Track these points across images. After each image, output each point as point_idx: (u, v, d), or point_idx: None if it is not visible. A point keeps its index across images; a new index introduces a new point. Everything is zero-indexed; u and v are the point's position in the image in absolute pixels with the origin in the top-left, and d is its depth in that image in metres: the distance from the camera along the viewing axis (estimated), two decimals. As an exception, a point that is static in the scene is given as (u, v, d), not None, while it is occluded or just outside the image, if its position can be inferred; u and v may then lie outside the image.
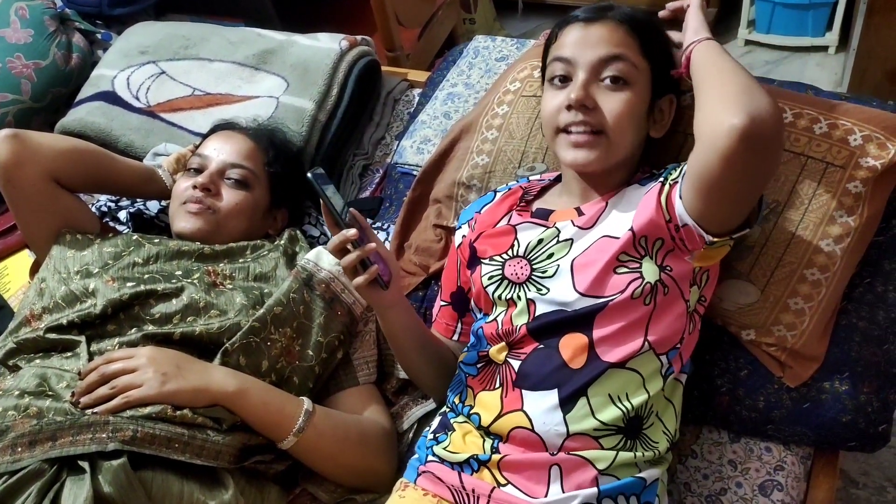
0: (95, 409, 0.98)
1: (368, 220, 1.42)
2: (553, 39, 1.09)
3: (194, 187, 1.26)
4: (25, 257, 1.58)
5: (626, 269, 0.99)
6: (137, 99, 1.65)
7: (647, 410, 0.99)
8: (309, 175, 1.00)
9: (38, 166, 1.21)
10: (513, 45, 1.50)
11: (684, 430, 1.13)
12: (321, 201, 1.01)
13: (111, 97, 1.66)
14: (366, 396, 1.21)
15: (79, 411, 0.98)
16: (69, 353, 1.08)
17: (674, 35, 1.11)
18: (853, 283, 1.10)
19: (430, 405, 1.25)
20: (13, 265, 1.58)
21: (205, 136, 1.39)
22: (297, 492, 1.16)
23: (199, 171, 1.30)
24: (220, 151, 1.31)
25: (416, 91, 1.70)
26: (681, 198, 0.95)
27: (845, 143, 1.07)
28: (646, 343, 0.98)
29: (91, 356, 1.06)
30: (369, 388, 1.23)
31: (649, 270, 0.98)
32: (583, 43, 1.03)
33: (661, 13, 1.14)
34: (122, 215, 1.47)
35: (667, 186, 0.99)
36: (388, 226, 1.40)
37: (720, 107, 0.87)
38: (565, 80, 1.04)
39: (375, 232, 1.37)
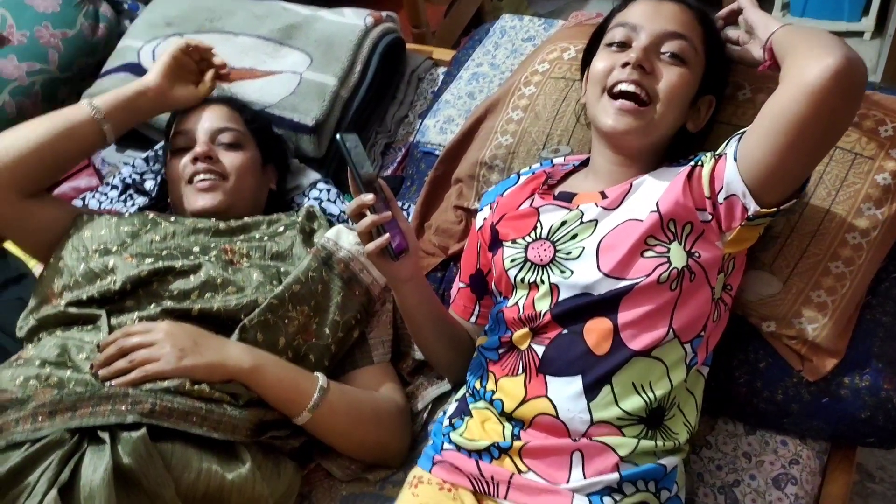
0: (114, 382, 0.99)
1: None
2: (620, 7, 1.08)
3: (194, 161, 1.26)
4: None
5: (653, 253, 0.98)
6: (162, 71, 1.65)
7: (670, 401, 0.99)
8: (337, 136, 0.99)
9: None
10: (540, 26, 1.48)
11: (699, 420, 1.13)
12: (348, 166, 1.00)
13: (136, 69, 1.65)
14: (381, 375, 1.22)
15: (99, 383, 1.00)
16: (90, 326, 1.09)
17: (731, 33, 1.10)
18: (879, 277, 1.08)
19: (445, 386, 1.25)
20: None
21: (173, 116, 1.38)
22: (312, 467, 1.17)
23: (187, 148, 1.29)
24: (202, 121, 1.31)
25: (441, 70, 1.68)
26: (735, 160, 0.93)
27: (875, 134, 1.05)
28: (671, 330, 0.97)
29: (111, 329, 1.08)
30: (384, 367, 1.24)
31: (677, 255, 0.97)
32: (652, 13, 1.03)
33: (719, 13, 1.12)
34: (148, 185, 1.48)
35: (707, 163, 0.98)
36: (409, 205, 1.40)
37: (812, 52, 0.87)
38: (624, 45, 1.04)
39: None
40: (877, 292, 1.08)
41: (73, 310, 1.11)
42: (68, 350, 1.06)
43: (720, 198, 0.96)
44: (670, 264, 0.97)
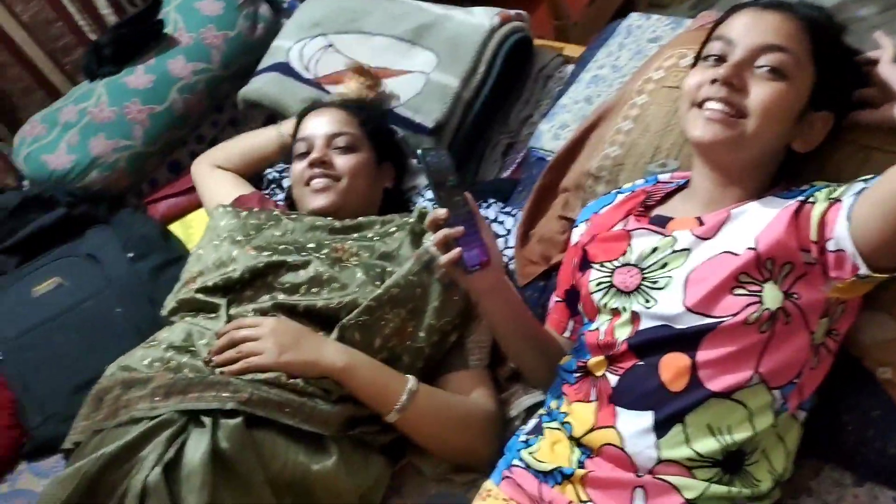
0: (222, 370, 1.10)
1: (499, 203, 1.43)
2: (723, 20, 1.02)
3: (310, 166, 1.37)
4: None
5: (744, 292, 0.92)
6: (308, 70, 1.76)
7: (752, 447, 0.93)
8: (418, 152, 1.03)
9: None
10: (668, 26, 1.40)
11: (803, 463, 1.04)
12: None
13: (286, 68, 1.78)
14: (475, 380, 1.24)
15: (208, 370, 1.11)
16: (213, 315, 1.22)
17: (867, 92, 1.00)
18: None
19: (539, 395, 1.25)
20: (197, 219, 1.79)
21: (298, 122, 1.48)
22: (404, 463, 1.22)
23: (306, 152, 1.40)
24: (319, 126, 1.41)
25: (571, 67, 1.65)
26: (848, 220, 0.86)
27: None
28: (756, 375, 0.91)
29: (229, 319, 1.19)
30: (479, 372, 1.26)
31: (771, 296, 0.91)
32: (752, 26, 0.97)
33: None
34: (286, 182, 1.61)
35: (819, 204, 0.90)
36: (517, 211, 1.40)
37: None
38: (720, 60, 0.98)
39: (505, 217, 1.39)
40: None
41: (201, 296, 1.24)
42: (192, 335, 1.18)
43: (829, 246, 0.88)
44: (762, 305, 0.90)
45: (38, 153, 1.80)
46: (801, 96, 0.96)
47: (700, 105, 0.98)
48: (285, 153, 1.57)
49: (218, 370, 1.10)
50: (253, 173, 1.65)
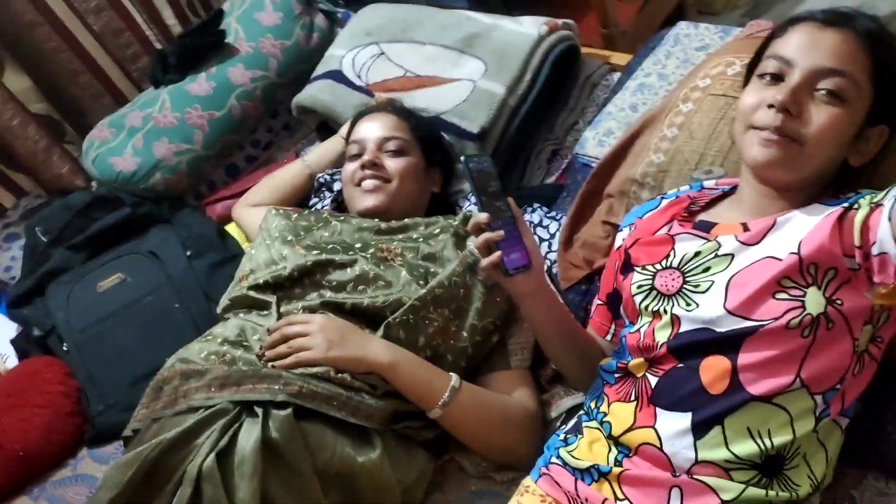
0: (274, 364, 1.15)
1: (544, 208, 1.46)
2: (779, 33, 1.01)
3: (362, 168, 1.41)
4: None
5: (786, 296, 0.92)
6: (359, 78, 1.81)
7: (792, 451, 0.93)
8: (461, 158, 1.07)
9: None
10: (716, 34, 1.41)
11: (846, 471, 1.04)
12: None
13: (338, 76, 1.84)
14: (517, 380, 1.27)
15: (261, 363, 1.17)
16: (265, 312, 1.27)
17: None
18: None
19: (580, 397, 1.27)
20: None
21: (351, 125, 1.54)
22: (447, 458, 1.25)
23: (359, 154, 1.45)
24: (371, 130, 1.46)
25: (617, 75, 1.66)
26: (890, 220, 0.85)
27: None
28: (798, 379, 0.91)
29: (280, 316, 1.25)
30: (521, 373, 1.28)
31: (814, 301, 0.91)
32: (810, 46, 0.95)
33: None
34: (336, 186, 1.66)
35: (862, 209, 0.90)
36: (562, 216, 1.42)
37: None
38: (777, 78, 0.97)
39: (549, 221, 1.41)
40: None
41: (252, 293, 1.29)
42: (245, 331, 1.24)
43: (873, 251, 0.87)
44: (804, 310, 0.91)
45: (105, 156, 1.89)
46: (859, 117, 0.95)
47: (757, 127, 0.97)
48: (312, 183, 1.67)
49: (270, 364, 1.15)
50: (288, 206, 1.68)
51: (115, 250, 1.71)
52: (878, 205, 0.89)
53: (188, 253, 1.67)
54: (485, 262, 1.05)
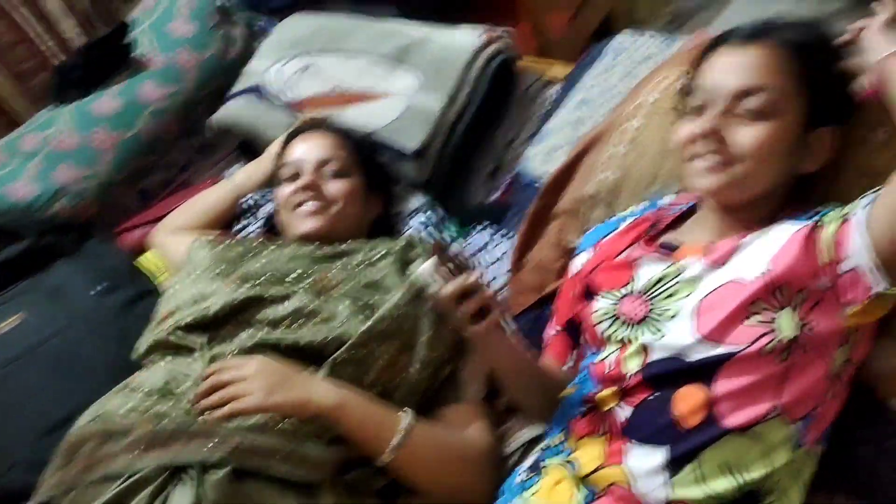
0: (206, 416, 1.04)
1: (493, 226, 1.40)
2: (705, 57, 0.99)
3: (299, 191, 1.32)
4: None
5: (758, 320, 0.89)
6: (283, 94, 1.71)
7: (769, 485, 0.90)
8: (427, 240, 1.01)
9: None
10: (661, 43, 1.38)
11: (815, 495, 1.01)
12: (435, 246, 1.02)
13: (260, 92, 1.73)
14: (471, 414, 1.19)
15: (192, 418, 1.04)
16: (192, 356, 1.15)
17: (852, 63, 0.97)
18: None
19: (538, 429, 1.21)
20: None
21: (285, 144, 1.44)
22: (399, 504, 1.18)
23: (295, 176, 1.35)
24: (309, 151, 1.37)
25: (556, 87, 1.62)
26: (868, 230, 0.83)
27: None
28: (776, 407, 0.88)
29: (210, 360, 1.13)
30: (475, 406, 1.21)
31: (786, 324, 0.88)
32: (727, 69, 0.95)
33: (841, 38, 0.99)
34: (266, 209, 1.55)
35: (830, 225, 0.88)
36: (513, 234, 1.36)
37: None
38: (702, 108, 0.96)
39: (501, 240, 1.35)
40: None
41: (176, 335, 1.17)
42: (171, 380, 1.11)
43: (843, 267, 0.85)
44: (777, 333, 0.88)
45: (-1, 183, 1.72)
46: (794, 126, 0.94)
47: (695, 157, 0.97)
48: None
49: (201, 417, 1.04)
50: (214, 230, 1.56)
51: (14, 288, 1.56)
52: (847, 219, 0.86)
53: (98, 288, 1.53)
54: (482, 326, 0.99)
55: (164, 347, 1.19)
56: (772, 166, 0.94)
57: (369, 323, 1.14)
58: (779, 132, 0.92)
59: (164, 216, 1.67)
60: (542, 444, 1.07)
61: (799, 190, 0.99)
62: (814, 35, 0.97)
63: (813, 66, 0.94)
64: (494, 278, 1.36)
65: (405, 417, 1.09)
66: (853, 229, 0.85)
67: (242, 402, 1.04)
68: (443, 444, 1.12)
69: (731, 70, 0.95)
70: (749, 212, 0.97)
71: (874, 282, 0.83)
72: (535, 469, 1.03)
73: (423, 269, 1.22)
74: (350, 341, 1.12)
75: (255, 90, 1.72)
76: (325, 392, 1.07)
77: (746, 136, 0.92)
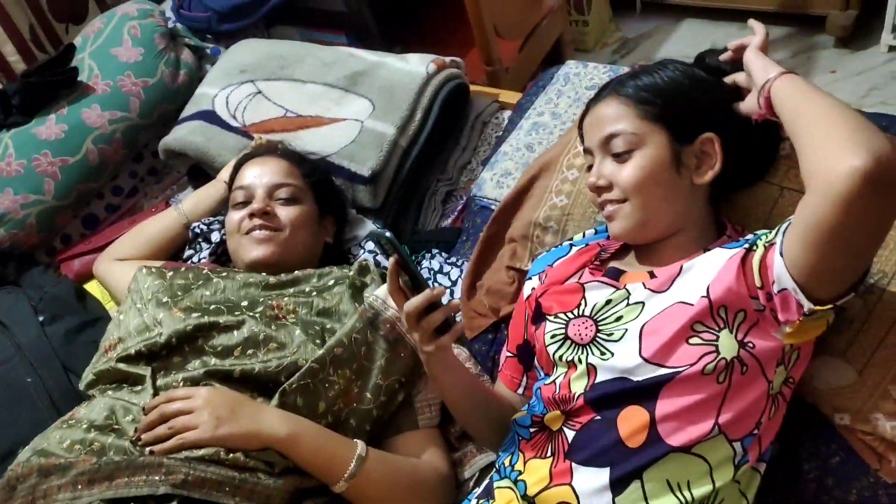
0: (153, 448, 1.01)
1: (444, 253, 1.39)
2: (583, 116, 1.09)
3: (251, 216, 1.30)
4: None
5: (699, 341, 0.90)
6: (234, 118, 1.69)
7: (714, 503, 0.91)
8: (388, 234, 0.99)
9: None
10: (605, 73, 1.41)
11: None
12: (393, 261, 0.99)
13: (211, 116, 1.71)
14: (425, 441, 1.18)
15: (137, 450, 1.01)
16: (138, 387, 1.12)
17: (738, 78, 1.02)
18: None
19: (493, 455, 1.20)
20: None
21: (235, 169, 1.42)
22: (353, 534, 1.15)
23: (245, 202, 1.33)
24: (260, 176, 1.35)
25: (507, 113, 1.64)
26: (782, 255, 0.85)
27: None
28: (716, 427, 0.89)
29: (156, 391, 1.10)
30: (430, 432, 1.20)
31: (727, 345, 0.90)
32: (590, 127, 1.05)
33: (723, 56, 1.04)
34: (214, 236, 1.52)
35: (759, 250, 0.90)
36: (463, 262, 1.36)
37: (833, 146, 0.78)
38: (591, 167, 1.06)
39: (450, 268, 1.35)
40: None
41: (122, 366, 1.14)
42: (116, 412, 1.08)
43: (774, 289, 0.87)
44: (718, 354, 0.89)
45: (-65, 210, 1.66)
46: (661, 150, 0.99)
47: (603, 206, 1.04)
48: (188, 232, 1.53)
49: (147, 450, 1.01)
50: (161, 259, 1.53)
51: (-47, 318, 1.49)
52: (771, 243, 0.90)
53: (41, 318, 1.48)
54: (447, 337, 1.00)
55: (110, 379, 1.15)
56: (657, 194, 0.99)
57: (322, 350, 1.12)
58: (648, 161, 0.98)
59: (108, 244, 1.63)
60: (493, 469, 1.07)
61: (726, 208, 1.03)
62: (652, 76, 1.02)
63: (653, 99, 1.00)
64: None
65: (359, 445, 1.07)
66: (776, 254, 0.87)
67: (190, 434, 1.01)
68: (397, 472, 1.10)
69: (593, 125, 1.04)
70: (673, 241, 1.01)
71: (802, 301, 0.85)
72: (488, 494, 1.02)
73: (378, 293, 1.22)
74: (303, 368, 1.10)
75: (206, 115, 1.70)
76: (276, 422, 1.05)
77: (625, 173, 0.99)
